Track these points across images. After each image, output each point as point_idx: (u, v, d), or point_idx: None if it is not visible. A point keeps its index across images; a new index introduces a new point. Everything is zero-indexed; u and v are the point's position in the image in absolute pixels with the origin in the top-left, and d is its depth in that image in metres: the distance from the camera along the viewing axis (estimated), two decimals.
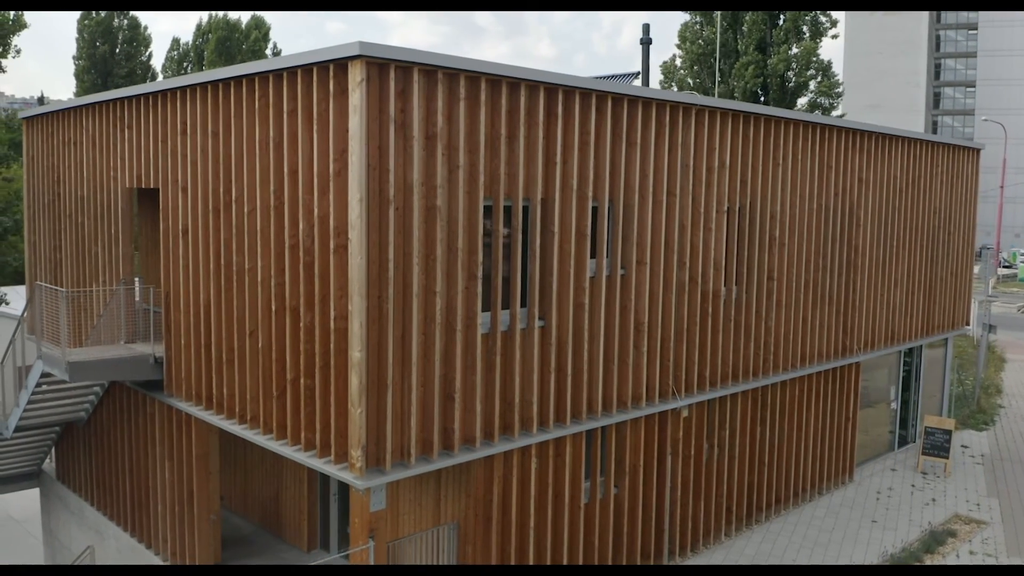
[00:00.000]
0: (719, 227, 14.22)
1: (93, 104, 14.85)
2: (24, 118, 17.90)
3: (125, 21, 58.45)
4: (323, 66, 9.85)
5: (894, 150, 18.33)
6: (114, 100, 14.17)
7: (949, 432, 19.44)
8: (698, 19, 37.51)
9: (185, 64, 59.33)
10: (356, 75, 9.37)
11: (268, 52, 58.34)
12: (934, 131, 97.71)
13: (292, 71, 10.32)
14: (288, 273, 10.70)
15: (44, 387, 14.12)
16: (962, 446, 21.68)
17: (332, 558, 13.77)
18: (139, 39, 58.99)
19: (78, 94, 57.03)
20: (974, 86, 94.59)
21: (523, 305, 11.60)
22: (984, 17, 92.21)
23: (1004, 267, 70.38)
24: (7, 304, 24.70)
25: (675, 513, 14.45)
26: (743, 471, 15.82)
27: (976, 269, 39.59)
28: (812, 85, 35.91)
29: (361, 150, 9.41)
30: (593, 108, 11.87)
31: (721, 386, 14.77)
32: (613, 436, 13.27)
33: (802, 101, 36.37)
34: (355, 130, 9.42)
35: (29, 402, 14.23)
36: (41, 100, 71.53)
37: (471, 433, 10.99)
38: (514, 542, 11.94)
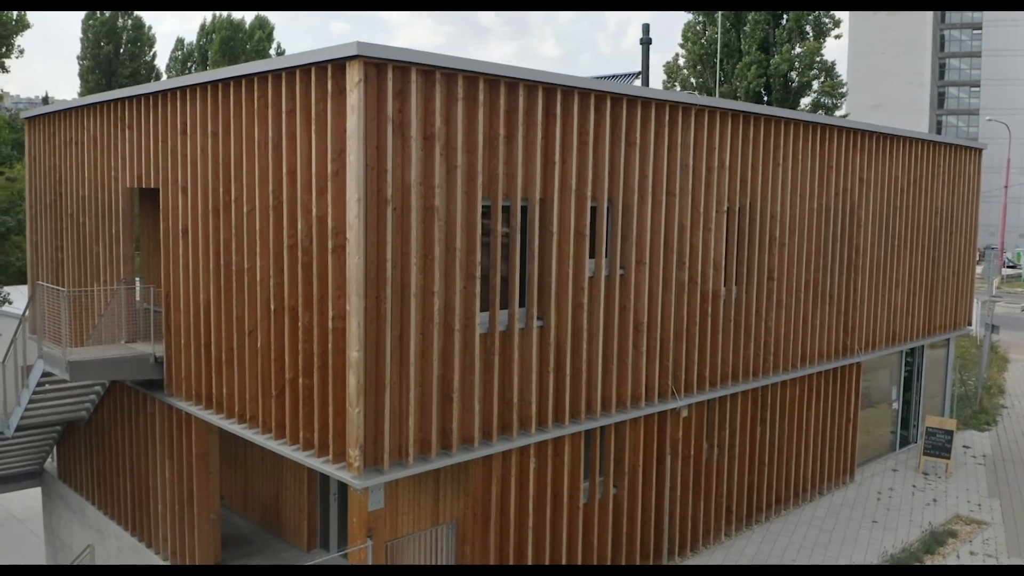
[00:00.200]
0: (719, 227, 14.21)
1: (94, 104, 14.89)
2: (26, 118, 17.96)
3: (129, 21, 58.53)
4: (321, 66, 9.87)
5: (895, 150, 18.30)
6: (115, 100, 14.21)
7: (951, 432, 19.41)
8: (701, 19, 37.48)
9: (189, 64, 59.41)
10: (354, 75, 9.38)
11: (272, 52, 58.35)
12: (938, 131, 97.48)
13: (291, 71, 10.34)
14: (287, 273, 10.72)
15: (45, 386, 14.17)
16: (964, 446, 21.64)
17: (331, 557, 13.79)
18: (143, 39, 59.08)
19: (82, 94, 57.17)
20: (979, 86, 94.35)
21: (522, 305, 11.61)
22: (989, 17, 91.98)
23: (1008, 267, 70.24)
24: (10, 304, 24.79)
25: (675, 513, 14.45)
26: (743, 471, 15.81)
27: (979, 269, 39.44)
28: (815, 85, 35.86)
29: (359, 150, 9.42)
30: (592, 108, 11.87)
31: (721, 386, 14.76)
32: (612, 436, 13.27)
33: (805, 101, 36.32)
34: (353, 130, 9.44)
35: (30, 401, 14.28)
36: (46, 100, 71.77)
37: (469, 433, 11.00)
38: (513, 542, 11.95)
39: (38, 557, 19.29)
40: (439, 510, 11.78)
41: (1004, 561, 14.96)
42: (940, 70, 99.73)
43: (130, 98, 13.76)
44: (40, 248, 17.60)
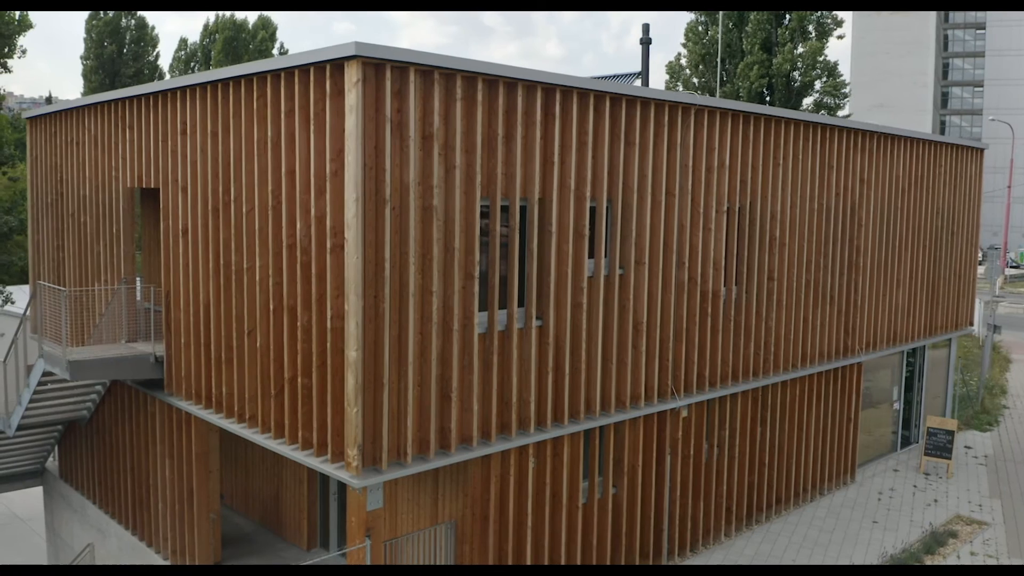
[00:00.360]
0: (719, 227, 14.20)
1: (95, 104, 14.93)
2: (28, 118, 18.02)
3: (132, 21, 58.62)
4: (320, 66, 9.88)
5: (896, 150, 18.27)
6: (116, 100, 14.24)
7: (952, 433, 19.38)
8: (703, 19, 37.45)
9: (192, 64, 59.46)
10: (352, 75, 9.40)
11: (275, 52, 58.37)
12: (942, 131, 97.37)
13: (290, 71, 10.36)
14: (286, 273, 10.74)
15: (47, 386, 14.21)
16: (965, 447, 21.61)
17: (329, 557, 13.81)
18: (146, 39, 59.17)
19: (86, 94, 57.26)
20: (982, 86, 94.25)
21: (520, 305, 11.62)
22: (992, 17, 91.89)
23: (1012, 267, 70.12)
24: (13, 303, 24.81)
25: (674, 513, 14.44)
26: (743, 471, 15.81)
27: (981, 269, 39.35)
28: (818, 85, 35.80)
29: (357, 150, 9.44)
30: (591, 108, 11.87)
31: (721, 386, 14.75)
32: (612, 436, 13.27)
33: (808, 101, 36.26)
34: (351, 130, 9.46)
35: (31, 401, 14.31)
36: (49, 100, 71.94)
37: (468, 432, 11.01)
38: (512, 542, 11.96)
39: (40, 556, 19.35)
40: (438, 510, 11.79)
41: (1004, 561, 14.94)
42: (944, 70, 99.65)
43: (130, 98, 13.79)
44: (41, 247, 17.65)
